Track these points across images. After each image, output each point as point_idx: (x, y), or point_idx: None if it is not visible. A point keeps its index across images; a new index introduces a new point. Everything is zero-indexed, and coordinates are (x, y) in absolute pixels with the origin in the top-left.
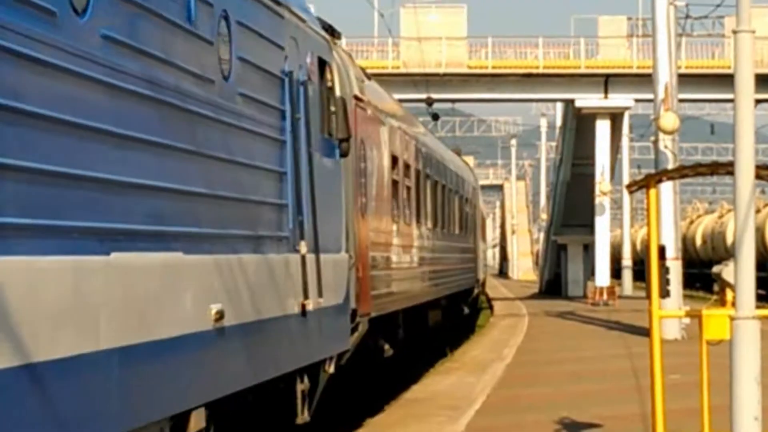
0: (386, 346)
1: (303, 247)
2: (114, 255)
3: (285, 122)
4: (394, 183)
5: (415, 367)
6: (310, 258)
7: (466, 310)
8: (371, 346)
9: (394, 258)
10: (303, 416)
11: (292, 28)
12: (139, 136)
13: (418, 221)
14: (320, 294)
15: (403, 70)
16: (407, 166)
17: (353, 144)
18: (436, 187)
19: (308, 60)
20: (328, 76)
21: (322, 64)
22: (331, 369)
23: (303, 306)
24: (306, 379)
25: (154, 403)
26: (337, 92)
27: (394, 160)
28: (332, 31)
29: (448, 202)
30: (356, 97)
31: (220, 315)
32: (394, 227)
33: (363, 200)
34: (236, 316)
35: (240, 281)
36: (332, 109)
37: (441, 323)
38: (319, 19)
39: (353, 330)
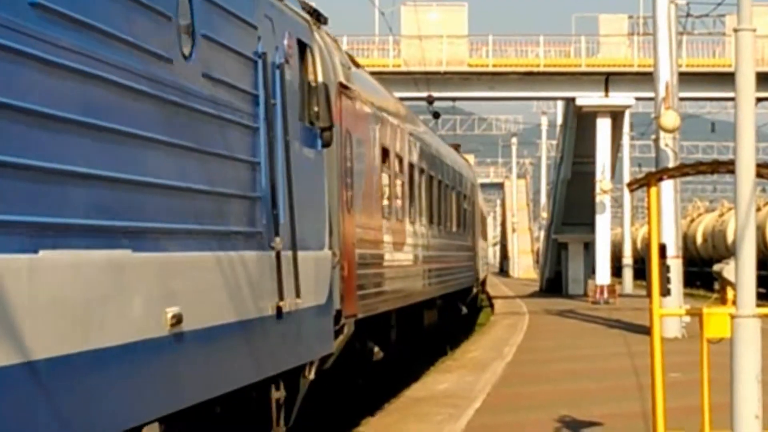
0: (376, 349)
1: (278, 243)
2: (43, 253)
3: (258, 108)
4: (386, 177)
5: (409, 369)
6: (287, 255)
7: (465, 310)
8: (359, 349)
9: (384, 256)
10: (279, 428)
11: (266, 7)
12: (77, 119)
13: (411, 217)
14: (298, 294)
15: (403, 69)
16: (400, 160)
17: (338, 134)
18: (431, 183)
19: (285, 42)
20: (309, 60)
21: (303, 48)
22: (312, 375)
23: (279, 307)
24: (282, 387)
25: (93, 419)
26: (319, 77)
27: (385, 152)
28: (318, 16)
29: (445, 199)
30: (341, 84)
31: (177, 319)
32: (385, 223)
33: (349, 194)
34: (198, 320)
35: (203, 281)
36: (313, 95)
37: (437, 324)
38: (302, 2)
39: (338, 332)
